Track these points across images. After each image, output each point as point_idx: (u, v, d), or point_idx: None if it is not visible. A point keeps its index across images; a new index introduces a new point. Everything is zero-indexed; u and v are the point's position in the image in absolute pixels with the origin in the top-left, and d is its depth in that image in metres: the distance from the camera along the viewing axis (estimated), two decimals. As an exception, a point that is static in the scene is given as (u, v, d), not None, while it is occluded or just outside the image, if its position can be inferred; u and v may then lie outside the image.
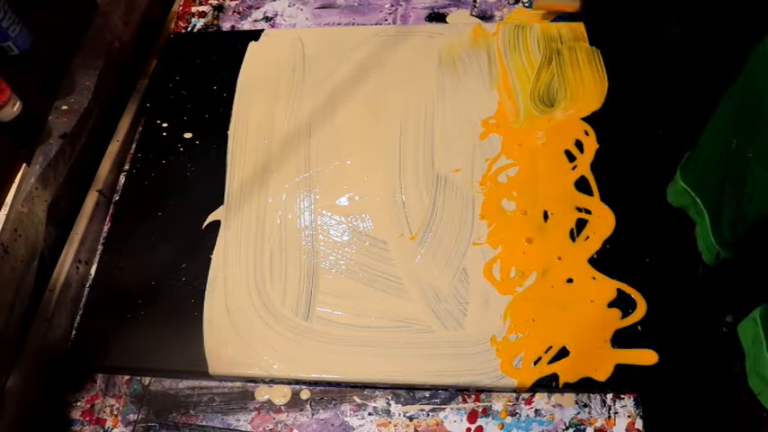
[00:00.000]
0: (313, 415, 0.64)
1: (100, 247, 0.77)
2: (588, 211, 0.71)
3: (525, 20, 0.90)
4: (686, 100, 0.75)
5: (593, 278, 0.66)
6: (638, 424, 0.61)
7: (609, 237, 0.69)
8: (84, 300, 0.73)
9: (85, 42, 0.82)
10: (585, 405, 0.62)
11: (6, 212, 0.65)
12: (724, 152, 0.62)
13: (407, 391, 0.64)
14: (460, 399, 0.63)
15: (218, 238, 0.73)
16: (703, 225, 0.67)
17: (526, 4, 0.93)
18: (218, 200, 0.76)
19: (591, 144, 0.76)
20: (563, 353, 0.63)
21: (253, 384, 0.66)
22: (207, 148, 0.81)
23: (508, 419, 0.62)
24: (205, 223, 0.75)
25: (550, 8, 0.86)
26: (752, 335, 0.57)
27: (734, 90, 0.61)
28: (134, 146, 0.84)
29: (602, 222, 0.70)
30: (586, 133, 0.76)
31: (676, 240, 0.71)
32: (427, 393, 0.64)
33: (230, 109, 0.84)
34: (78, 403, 0.66)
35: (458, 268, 0.68)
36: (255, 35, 0.92)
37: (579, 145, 0.76)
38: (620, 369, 0.61)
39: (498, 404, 0.63)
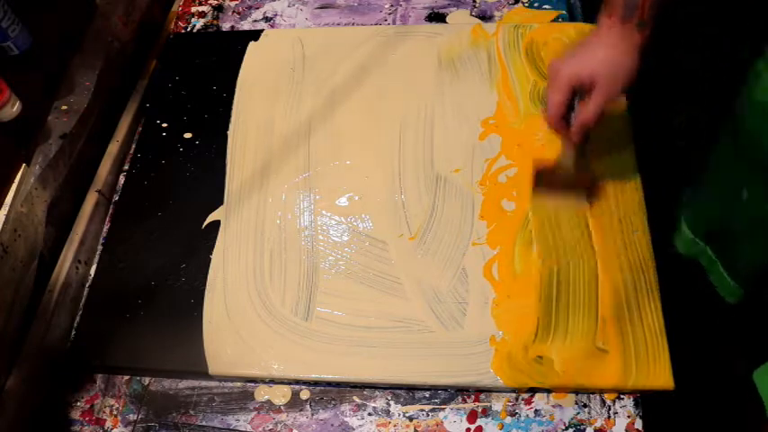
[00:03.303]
0: (313, 415, 0.64)
1: (100, 247, 0.77)
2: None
3: (524, 20, 0.90)
4: (681, 132, 0.75)
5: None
6: (638, 424, 0.61)
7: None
8: (83, 300, 0.73)
9: (85, 42, 0.82)
10: (585, 405, 0.62)
11: (6, 213, 0.65)
12: (733, 202, 0.61)
13: (407, 392, 0.64)
14: (460, 399, 0.63)
15: (217, 239, 0.73)
16: (717, 273, 0.66)
17: (525, 4, 0.93)
18: (218, 200, 0.76)
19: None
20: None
21: (252, 384, 0.66)
22: (207, 148, 0.81)
23: (508, 419, 0.62)
24: (205, 223, 0.75)
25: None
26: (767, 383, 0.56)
27: (727, 128, 0.60)
28: (134, 146, 0.84)
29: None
30: None
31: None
32: (427, 393, 0.64)
33: (230, 109, 0.84)
34: (78, 403, 0.66)
35: (457, 268, 0.68)
36: (255, 35, 0.92)
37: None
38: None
39: (498, 404, 0.63)
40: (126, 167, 0.83)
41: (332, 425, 0.63)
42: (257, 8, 0.98)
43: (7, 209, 0.66)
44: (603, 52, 0.56)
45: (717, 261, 0.66)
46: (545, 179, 0.68)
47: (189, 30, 0.97)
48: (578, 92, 0.58)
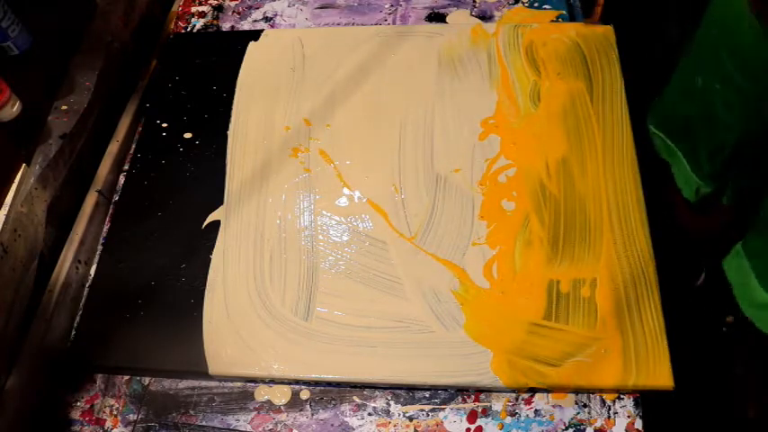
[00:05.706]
0: (313, 415, 0.64)
1: (100, 247, 0.77)
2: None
3: (523, 19, 0.90)
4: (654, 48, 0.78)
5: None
6: (638, 424, 0.61)
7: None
8: (83, 300, 0.73)
9: (85, 42, 0.82)
10: (585, 405, 0.62)
11: (6, 213, 0.65)
12: (689, 92, 0.64)
13: (407, 392, 0.64)
14: (460, 399, 0.63)
15: (217, 239, 0.73)
16: (679, 163, 0.69)
17: (525, 4, 0.93)
18: (218, 200, 0.76)
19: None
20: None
21: (252, 384, 0.66)
22: (207, 148, 0.81)
23: (508, 420, 0.62)
24: (205, 223, 0.75)
25: None
26: (736, 267, 0.58)
27: (700, 32, 0.62)
28: (134, 146, 0.84)
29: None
30: None
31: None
32: (427, 393, 0.64)
33: (230, 109, 0.84)
34: (78, 403, 0.66)
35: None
36: (255, 35, 0.92)
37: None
38: (620, 369, 0.61)
39: (498, 404, 0.63)
40: (126, 167, 0.83)
41: (332, 425, 0.63)
42: (257, 8, 0.98)
43: (7, 209, 0.66)
44: None
45: (678, 152, 0.68)
46: None
47: (189, 30, 0.97)
48: None
